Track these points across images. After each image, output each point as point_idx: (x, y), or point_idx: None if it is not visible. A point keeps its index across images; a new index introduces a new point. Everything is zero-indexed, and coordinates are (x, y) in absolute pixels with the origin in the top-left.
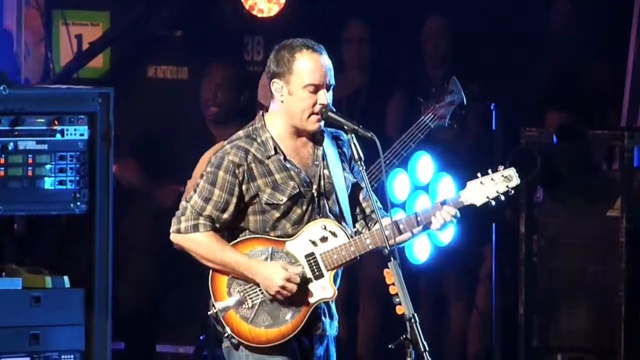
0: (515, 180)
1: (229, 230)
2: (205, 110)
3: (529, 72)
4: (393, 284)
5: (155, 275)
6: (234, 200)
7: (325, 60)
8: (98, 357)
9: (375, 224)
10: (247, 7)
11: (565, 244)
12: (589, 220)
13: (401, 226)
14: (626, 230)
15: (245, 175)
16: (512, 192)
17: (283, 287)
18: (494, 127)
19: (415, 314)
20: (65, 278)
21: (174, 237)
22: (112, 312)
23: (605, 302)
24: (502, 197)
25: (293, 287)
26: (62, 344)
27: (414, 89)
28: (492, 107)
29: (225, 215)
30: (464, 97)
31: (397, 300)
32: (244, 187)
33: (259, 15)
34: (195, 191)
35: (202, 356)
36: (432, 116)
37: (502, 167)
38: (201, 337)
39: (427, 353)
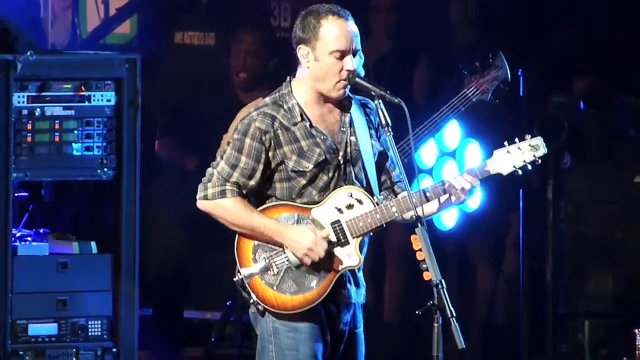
0: (543, 150)
1: (256, 197)
2: (234, 77)
3: (556, 38)
4: (420, 250)
5: (182, 241)
6: (261, 167)
7: (352, 26)
8: (125, 323)
9: (399, 193)
10: None
11: (592, 209)
12: (615, 186)
13: (427, 194)
14: None
15: (272, 142)
16: (539, 161)
17: (311, 250)
18: (521, 93)
19: (443, 280)
20: (93, 244)
21: (200, 204)
22: (139, 277)
23: (633, 267)
24: (529, 167)
25: (321, 251)
26: (90, 310)
27: (441, 55)
28: (519, 73)
29: (252, 182)
30: (509, 74)
31: (425, 266)
32: (270, 154)
33: None
34: (222, 157)
35: (230, 322)
36: (474, 90)
37: (529, 135)
38: (228, 303)
39: (454, 319)
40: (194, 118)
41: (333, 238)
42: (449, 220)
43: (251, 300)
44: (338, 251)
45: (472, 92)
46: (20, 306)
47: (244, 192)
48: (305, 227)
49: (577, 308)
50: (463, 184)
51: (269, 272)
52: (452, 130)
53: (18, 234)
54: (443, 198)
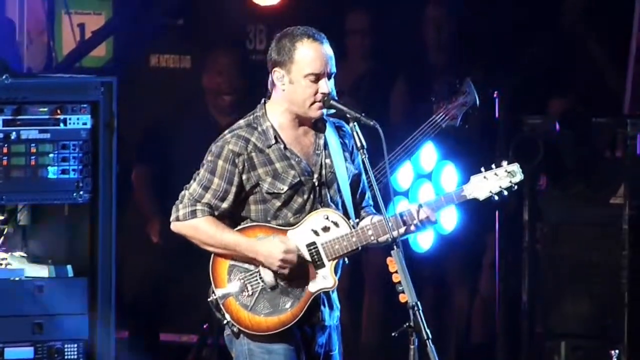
0: (519, 176)
1: (230, 219)
2: (216, 100)
3: (530, 59)
4: (396, 272)
5: (158, 263)
6: (233, 189)
7: (327, 49)
8: (102, 346)
9: (362, 220)
10: None
11: (568, 231)
12: (592, 207)
13: (404, 218)
14: (629, 217)
15: (246, 164)
16: (515, 187)
17: (284, 260)
18: (496, 115)
19: (419, 302)
20: (69, 267)
21: (173, 226)
22: (115, 301)
23: (608, 289)
24: (505, 192)
25: (293, 259)
26: (66, 333)
27: (417, 77)
28: (494, 95)
29: (225, 205)
30: (477, 99)
31: (400, 288)
32: (244, 177)
33: (262, 3)
34: (194, 179)
35: (206, 345)
36: (444, 116)
37: (506, 162)
38: (204, 326)
39: (430, 340)
40: (169, 140)
41: (308, 260)
42: (424, 242)
43: (225, 321)
44: (313, 273)
45: (441, 118)
46: None
47: (216, 213)
48: (275, 239)
49: (554, 329)
50: (421, 217)
51: (243, 293)
52: (428, 153)
53: None
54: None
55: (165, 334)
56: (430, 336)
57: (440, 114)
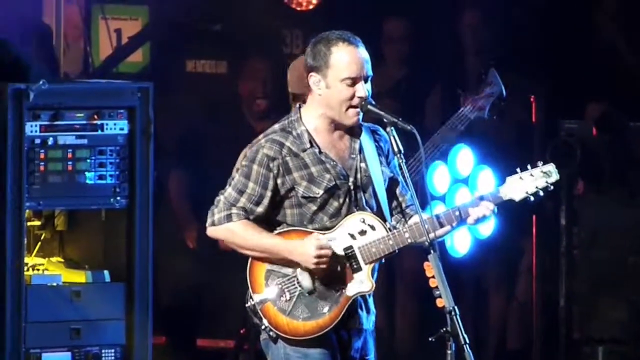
0: (555, 176)
1: (266, 223)
2: (250, 105)
3: (569, 63)
4: (433, 276)
5: (195, 269)
6: (268, 193)
7: (362, 53)
8: (139, 351)
9: (411, 218)
10: (285, 0)
11: (605, 235)
12: (629, 212)
13: (441, 220)
14: None
15: (280, 168)
16: (551, 187)
17: (319, 256)
18: (534, 119)
19: (456, 307)
20: (106, 272)
21: (209, 231)
22: (152, 306)
23: None
24: (541, 193)
25: (327, 254)
26: (103, 339)
27: (454, 82)
28: (532, 99)
29: (260, 209)
30: (503, 89)
31: (437, 293)
32: (279, 181)
33: (298, 8)
34: (230, 184)
35: (243, 350)
36: (471, 108)
37: (542, 162)
38: (241, 331)
39: (467, 345)
40: (205, 146)
41: (346, 264)
42: (462, 246)
43: (263, 327)
44: (350, 277)
45: (469, 110)
46: (33, 335)
47: (252, 217)
48: (309, 238)
49: (591, 334)
50: (482, 212)
51: (281, 297)
52: (465, 157)
53: (31, 263)
54: (455, 224)
55: (202, 339)
56: (467, 341)
57: (468, 106)
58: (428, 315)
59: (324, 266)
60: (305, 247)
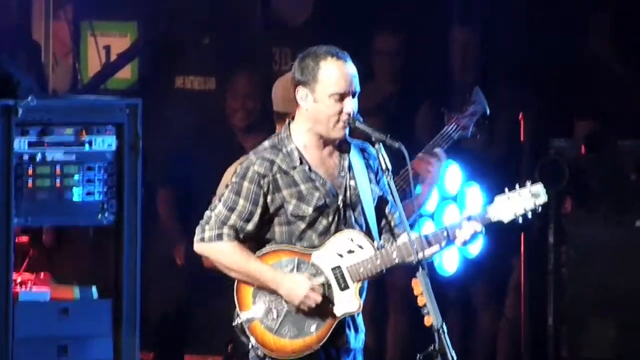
0: (543, 197)
1: (255, 241)
2: (234, 121)
3: (557, 81)
4: (421, 294)
5: (183, 285)
6: (259, 210)
7: (350, 68)
8: None
9: (399, 238)
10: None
11: (594, 254)
12: (617, 230)
13: (429, 240)
14: None
15: (270, 186)
16: (540, 209)
17: (307, 297)
18: (522, 137)
19: (444, 325)
20: (93, 289)
21: (197, 246)
22: (140, 322)
23: (635, 312)
24: (530, 215)
25: (317, 298)
26: (91, 355)
27: (444, 98)
28: (520, 117)
29: (250, 226)
30: (487, 108)
31: (426, 310)
32: (269, 198)
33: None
34: (220, 201)
35: None
36: (455, 126)
37: (530, 182)
38: (229, 347)
39: None
40: (194, 163)
41: (333, 283)
42: (450, 265)
43: (250, 345)
44: (338, 296)
45: (452, 129)
46: (21, 352)
47: (241, 236)
48: (300, 275)
49: (579, 353)
50: (469, 232)
51: (268, 315)
52: (453, 175)
53: (19, 279)
54: (444, 242)
55: (189, 355)
56: (455, 359)
57: (452, 125)
58: (417, 332)
59: (307, 307)
60: (295, 286)
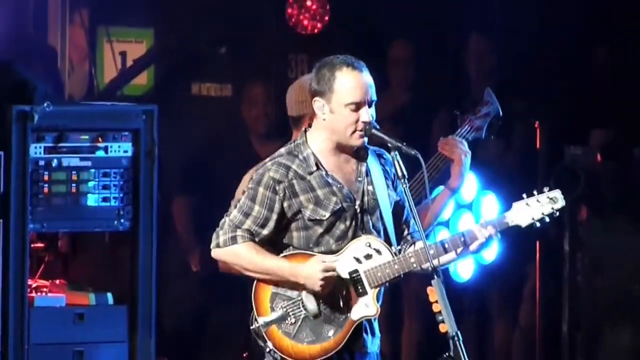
0: (561, 202)
1: (273, 246)
2: (252, 128)
3: (573, 90)
4: (437, 301)
5: (198, 292)
6: (274, 216)
7: (366, 77)
8: None
9: (415, 244)
10: (291, 24)
11: (609, 262)
12: (633, 238)
13: (446, 245)
14: None
15: (287, 191)
16: (557, 214)
17: (324, 279)
18: (538, 145)
19: (459, 332)
20: (109, 295)
21: (214, 253)
22: (155, 328)
23: None
24: (547, 219)
25: (333, 275)
26: None
27: (459, 106)
28: (536, 125)
29: (265, 232)
30: (500, 109)
31: (441, 318)
32: (285, 204)
33: (303, 32)
34: (235, 207)
35: None
36: (468, 128)
37: (547, 188)
38: (244, 355)
39: None
40: (210, 169)
41: (351, 288)
42: (465, 272)
43: (267, 349)
44: (355, 301)
45: (466, 131)
46: (36, 357)
47: (257, 240)
48: (313, 259)
49: None
50: (483, 234)
51: (286, 321)
52: (469, 183)
53: (34, 285)
54: (460, 250)
55: None
56: None
57: (465, 127)
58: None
59: (329, 288)
60: (311, 270)
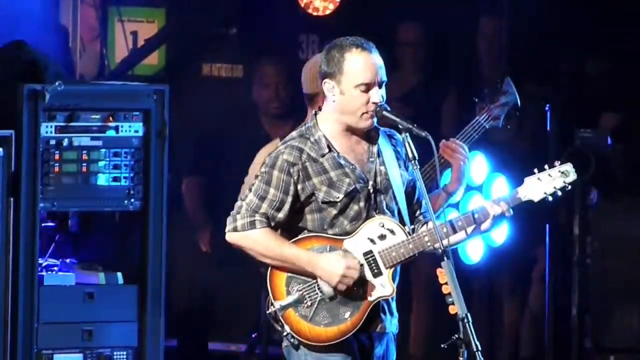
0: (573, 175)
1: (287, 229)
2: (264, 110)
3: (584, 73)
4: (446, 283)
5: (208, 272)
6: (289, 199)
7: (376, 58)
8: (151, 353)
9: (427, 224)
10: (302, 5)
11: (618, 245)
12: None
13: (459, 223)
14: None
15: (300, 174)
16: (569, 187)
17: (344, 276)
18: (548, 128)
19: (468, 314)
20: (119, 274)
21: (230, 236)
22: (165, 308)
23: None
24: (559, 193)
25: (354, 275)
26: (115, 341)
27: (469, 88)
28: (547, 108)
29: (281, 215)
30: (518, 99)
31: (450, 299)
32: (299, 187)
33: (314, 13)
34: (250, 190)
35: (255, 354)
36: (486, 116)
37: (559, 162)
38: (253, 335)
39: (479, 353)
40: (220, 150)
41: (366, 269)
42: (475, 254)
43: (284, 333)
44: (371, 282)
45: (484, 119)
46: (46, 336)
47: (273, 224)
48: (336, 254)
49: (603, 343)
50: (495, 210)
51: (302, 304)
52: (479, 165)
53: (44, 264)
54: (471, 229)
55: (213, 342)
56: (479, 348)
57: (483, 115)
58: (442, 320)
59: (345, 287)
60: (332, 265)
